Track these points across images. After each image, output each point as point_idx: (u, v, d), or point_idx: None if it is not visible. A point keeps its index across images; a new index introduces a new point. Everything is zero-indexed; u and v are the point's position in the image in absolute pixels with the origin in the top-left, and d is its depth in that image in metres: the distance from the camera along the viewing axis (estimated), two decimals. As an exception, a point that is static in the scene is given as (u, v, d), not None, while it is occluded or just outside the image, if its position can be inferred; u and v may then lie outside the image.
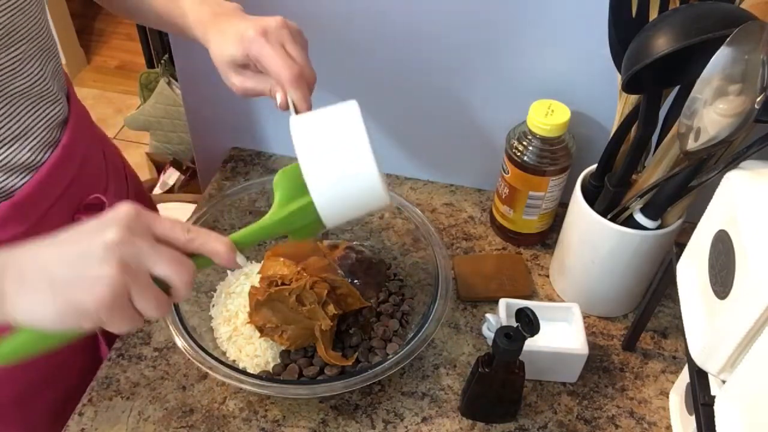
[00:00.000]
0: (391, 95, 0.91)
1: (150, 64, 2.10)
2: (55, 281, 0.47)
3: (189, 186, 1.83)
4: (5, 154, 0.67)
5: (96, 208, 0.75)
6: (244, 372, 0.69)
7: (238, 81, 0.66)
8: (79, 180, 0.75)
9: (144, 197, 0.94)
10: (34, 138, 0.69)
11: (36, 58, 0.68)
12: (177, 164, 1.84)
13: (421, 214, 0.82)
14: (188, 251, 0.50)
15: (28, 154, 0.69)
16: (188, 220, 0.80)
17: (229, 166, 1.01)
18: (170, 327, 0.71)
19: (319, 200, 0.55)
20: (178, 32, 0.73)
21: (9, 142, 0.66)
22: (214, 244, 0.51)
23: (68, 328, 0.48)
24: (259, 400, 0.74)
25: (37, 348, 0.51)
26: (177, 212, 1.56)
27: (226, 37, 0.65)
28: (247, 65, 0.65)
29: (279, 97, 0.64)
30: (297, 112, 0.62)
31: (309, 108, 0.64)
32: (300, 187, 0.56)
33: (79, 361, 0.79)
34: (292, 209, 0.56)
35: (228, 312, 0.78)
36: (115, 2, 0.78)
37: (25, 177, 0.69)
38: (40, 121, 0.70)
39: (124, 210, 0.48)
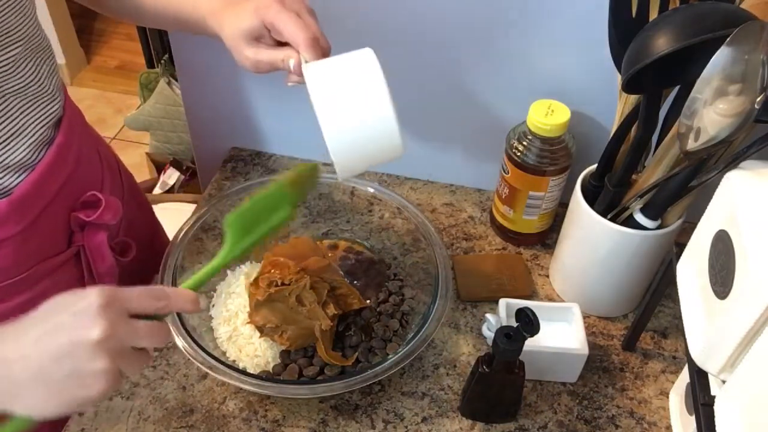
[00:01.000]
0: (390, 95, 0.91)
1: (150, 64, 2.10)
2: (51, 382, 0.49)
3: (189, 186, 1.83)
4: (3, 153, 0.67)
5: (92, 205, 0.75)
6: (244, 372, 0.69)
7: (251, 53, 0.66)
8: (75, 178, 0.75)
9: (138, 195, 0.94)
10: (29, 137, 0.69)
11: (30, 59, 0.68)
12: (177, 164, 1.84)
13: (421, 214, 0.82)
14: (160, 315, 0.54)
15: (23, 153, 0.69)
16: (188, 220, 0.80)
17: (229, 166, 1.01)
18: (170, 327, 0.71)
19: (335, 146, 0.54)
20: (184, 27, 0.73)
21: (4, 141, 0.66)
22: (183, 305, 0.55)
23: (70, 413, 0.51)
24: (259, 400, 0.74)
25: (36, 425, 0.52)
26: (177, 212, 1.56)
27: (241, 13, 0.65)
28: (260, 38, 0.66)
29: (292, 62, 0.64)
30: None
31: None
32: (249, 228, 0.58)
33: None
34: (244, 246, 0.59)
35: (228, 312, 0.78)
36: (113, 5, 0.77)
37: (20, 176, 0.69)
38: (34, 120, 0.70)
39: (97, 298, 0.49)
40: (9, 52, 0.64)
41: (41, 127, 0.70)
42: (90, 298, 0.50)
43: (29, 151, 0.69)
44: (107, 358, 0.49)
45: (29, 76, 0.68)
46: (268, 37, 0.66)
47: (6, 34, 0.63)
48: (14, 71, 0.66)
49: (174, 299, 0.54)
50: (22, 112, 0.68)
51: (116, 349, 0.49)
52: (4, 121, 0.66)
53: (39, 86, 0.70)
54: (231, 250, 0.59)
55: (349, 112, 0.53)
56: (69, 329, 0.49)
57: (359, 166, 0.57)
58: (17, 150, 0.68)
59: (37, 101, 0.70)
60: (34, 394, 0.49)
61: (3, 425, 0.50)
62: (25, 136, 0.69)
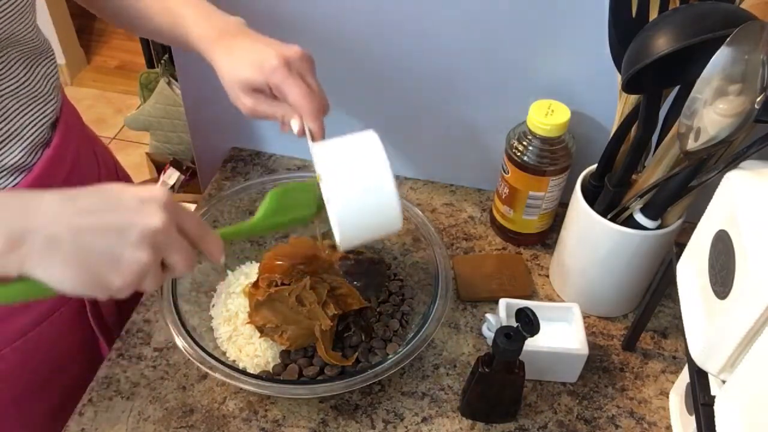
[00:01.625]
0: (390, 95, 0.91)
1: (150, 64, 2.10)
2: (89, 254, 0.47)
3: (189, 186, 1.83)
4: None
5: None
6: (244, 372, 0.69)
7: (249, 103, 0.65)
8: (71, 181, 0.74)
9: None
10: (25, 139, 0.69)
11: (25, 61, 0.68)
12: (177, 164, 1.84)
13: (421, 214, 0.82)
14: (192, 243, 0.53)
15: (20, 155, 0.68)
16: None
17: (229, 166, 1.01)
18: (170, 327, 0.71)
19: (341, 223, 0.59)
20: (178, 45, 0.72)
21: (1, 143, 0.66)
22: (213, 247, 0.54)
23: (82, 294, 0.49)
24: (259, 400, 0.74)
25: (29, 297, 0.50)
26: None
27: (241, 60, 0.65)
28: (259, 90, 0.65)
29: (296, 125, 0.65)
30: (314, 140, 0.65)
31: (324, 138, 0.65)
32: (283, 208, 0.63)
33: (79, 360, 0.79)
34: (274, 221, 0.62)
35: (228, 312, 0.78)
36: (110, 12, 0.76)
37: (16, 178, 0.68)
38: (30, 122, 0.69)
39: (163, 195, 0.49)
40: (5, 55, 0.64)
41: (37, 129, 0.70)
42: (157, 192, 0.49)
43: (25, 153, 0.69)
44: (151, 251, 0.48)
45: (23, 78, 0.68)
46: (267, 91, 0.65)
47: (2, 39, 0.63)
48: (8, 73, 0.66)
49: (210, 238, 0.53)
50: (18, 114, 0.68)
51: (163, 247, 0.49)
52: (1, 122, 0.66)
53: (34, 88, 0.69)
54: (263, 217, 0.62)
55: (355, 193, 0.58)
56: (128, 210, 0.48)
57: (359, 240, 0.63)
58: (14, 152, 0.68)
59: (33, 103, 0.69)
60: (64, 260, 0.47)
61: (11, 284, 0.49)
62: (21, 137, 0.68)
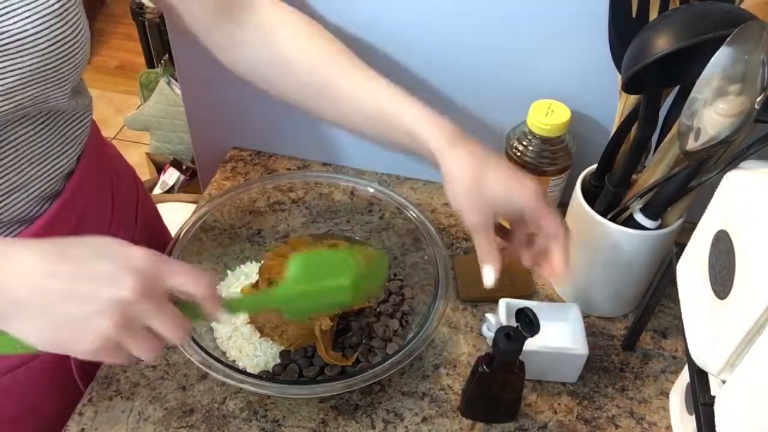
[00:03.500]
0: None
1: (150, 64, 2.10)
2: (55, 318, 0.46)
3: (189, 186, 1.83)
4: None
5: None
6: (244, 372, 0.69)
7: (480, 219, 0.62)
8: (80, 229, 0.70)
9: (154, 223, 0.90)
10: (33, 190, 0.64)
11: (51, 118, 0.64)
12: (177, 164, 1.85)
13: (421, 214, 0.82)
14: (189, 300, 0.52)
15: (23, 208, 0.64)
16: (188, 220, 0.80)
17: (229, 166, 1.01)
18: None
19: None
20: (394, 135, 0.67)
21: (6, 194, 0.62)
22: (212, 305, 0.52)
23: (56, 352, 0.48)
24: (259, 400, 0.74)
25: (11, 352, 0.50)
26: (177, 212, 1.56)
27: (497, 178, 0.61)
28: (497, 211, 0.62)
29: (490, 276, 0.63)
30: (555, 273, 0.63)
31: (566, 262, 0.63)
32: (314, 273, 0.59)
33: (54, 400, 0.75)
34: (299, 290, 0.59)
35: (228, 312, 0.78)
36: (314, 106, 0.70)
37: (12, 232, 0.64)
38: (42, 173, 0.65)
39: (143, 261, 0.48)
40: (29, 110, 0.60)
41: (48, 181, 0.66)
42: (135, 257, 0.48)
43: (30, 206, 0.65)
44: (114, 322, 0.46)
45: (44, 132, 0.64)
46: (495, 216, 0.62)
47: (43, 102, 0.60)
48: (27, 123, 0.62)
49: (210, 296, 0.52)
50: (31, 164, 0.63)
51: (130, 318, 0.47)
52: (10, 173, 0.61)
53: (53, 144, 0.65)
54: (287, 286, 0.59)
55: None
56: (99, 278, 0.47)
57: None
58: (16, 204, 0.63)
59: (49, 152, 0.65)
60: (33, 321, 0.47)
61: None
62: (28, 189, 0.64)
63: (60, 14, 0.56)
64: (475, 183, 0.61)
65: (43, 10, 0.55)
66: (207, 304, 0.52)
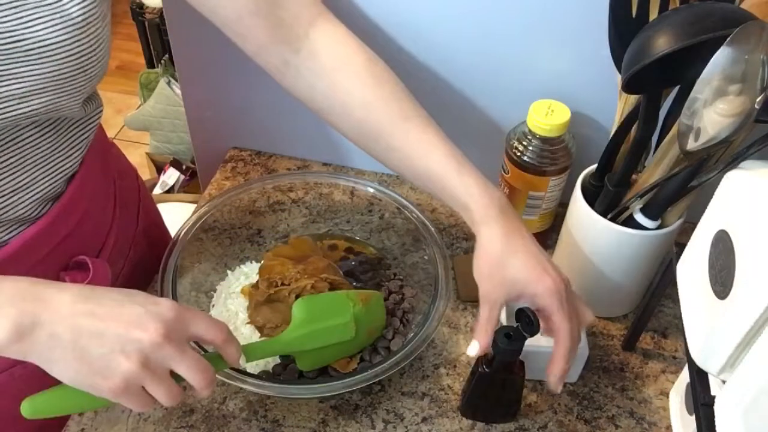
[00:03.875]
0: (391, 95, 0.91)
1: (150, 64, 2.11)
2: (84, 355, 0.50)
3: (189, 186, 1.83)
4: (2, 207, 0.62)
5: (84, 267, 0.71)
6: (244, 372, 0.69)
7: (494, 295, 0.64)
8: (73, 236, 0.70)
9: (154, 228, 0.91)
10: (37, 191, 0.65)
11: (59, 124, 0.65)
12: (177, 164, 1.85)
13: (421, 214, 0.82)
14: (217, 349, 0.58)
15: (26, 209, 0.64)
16: (188, 220, 0.80)
17: (229, 166, 1.01)
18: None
19: None
20: (440, 196, 0.68)
21: (9, 194, 0.62)
22: (232, 353, 0.58)
23: (88, 392, 0.52)
24: (259, 400, 0.74)
25: (67, 407, 0.55)
26: (177, 212, 1.56)
27: (522, 260, 0.63)
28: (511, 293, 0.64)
29: (474, 350, 0.64)
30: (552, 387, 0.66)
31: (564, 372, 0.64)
32: (317, 314, 0.68)
33: None
34: (306, 330, 0.67)
35: (228, 312, 0.78)
36: (386, 157, 0.70)
37: (13, 232, 0.65)
38: (46, 175, 0.65)
39: (167, 309, 0.53)
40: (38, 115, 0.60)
41: (52, 183, 0.66)
42: (162, 306, 0.53)
43: (32, 207, 0.65)
44: (138, 364, 0.51)
45: (51, 130, 0.64)
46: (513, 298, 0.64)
47: (55, 110, 0.61)
48: (36, 125, 0.62)
49: (230, 341, 0.57)
50: (36, 165, 0.64)
51: (154, 359, 0.51)
52: (15, 173, 0.62)
53: (58, 140, 0.66)
54: (294, 329, 0.67)
55: None
56: (128, 320, 0.51)
57: None
58: (19, 204, 0.64)
59: (55, 155, 0.66)
60: (63, 357, 0.50)
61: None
62: (33, 189, 0.64)
63: (82, 27, 0.57)
64: (498, 264, 0.63)
65: (66, 20, 0.56)
66: (227, 349, 0.57)
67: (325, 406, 0.74)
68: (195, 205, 0.87)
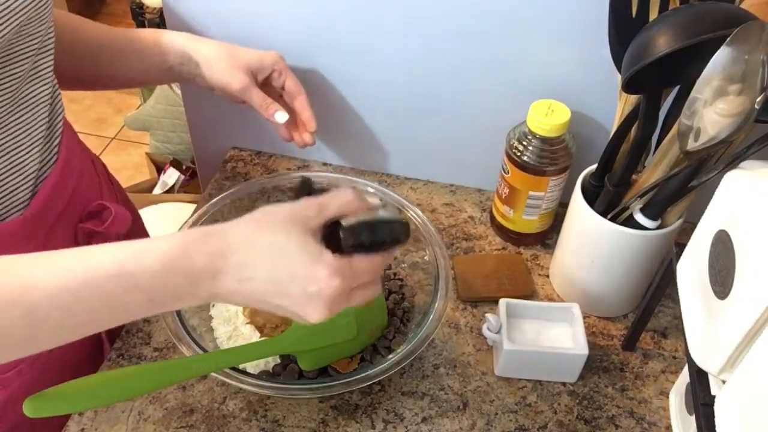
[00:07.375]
0: (390, 95, 0.91)
1: (150, 64, 2.10)
2: (273, 308, 0.53)
3: (189, 186, 1.83)
4: (23, 161, 0.66)
5: (97, 215, 0.74)
6: (244, 372, 0.69)
7: (246, 81, 0.78)
8: (80, 189, 0.74)
9: (129, 203, 0.93)
10: (44, 145, 0.68)
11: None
12: (177, 164, 1.84)
13: (421, 214, 0.82)
14: None
15: (40, 162, 0.68)
16: (188, 220, 0.80)
17: (229, 166, 1.01)
18: (170, 327, 0.70)
19: None
20: (158, 75, 0.83)
21: (28, 147, 0.66)
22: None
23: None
24: (259, 400, 0.74)
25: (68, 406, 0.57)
26: (177, 212, 1.56)
27: (242, 50, 0.80)
28: (256, 74, 0.81)
29: (282, 117, 0.80)
30: (307, 128, 0.83)
31: (312, 115, 0.82)
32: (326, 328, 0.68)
33: (80, 356, 0.78)
34: (311, 329, 0.69)
35: (228, 312, 0.78)
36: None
37: (33, 189, 0.68)
38: (51, 126, 0.69)
39: (333, 290, 0.51)
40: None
41: (54, 135, 0.70)
42: (327, 286, 0.51)
43: (44, 159, 0.68)
44: (328, 310, 0.52)
45: (50, 79, 0.68)
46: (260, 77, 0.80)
47: (25, 40, 0.63)
48: (41, 79, 0.66)
49: (360, 198, 0.57)
50: (42, 120, 0.67)
51: (337, 303, 0.53)
52: (30, 128, 0.65)
53: (54, 90, 0.69)
54: (296, 328, 0.69)
55: None
56: (293, 302, 0.51)
57: None
58: (36, 158, 0.67)
59: (54, 106, 0.70)
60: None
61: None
62: (41, 144, 0.68)
63: None
64: (226, 54, 0.79)
65: None
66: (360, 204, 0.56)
67: (325, 406, 0.74)
68: (195, 205, 0.87)
